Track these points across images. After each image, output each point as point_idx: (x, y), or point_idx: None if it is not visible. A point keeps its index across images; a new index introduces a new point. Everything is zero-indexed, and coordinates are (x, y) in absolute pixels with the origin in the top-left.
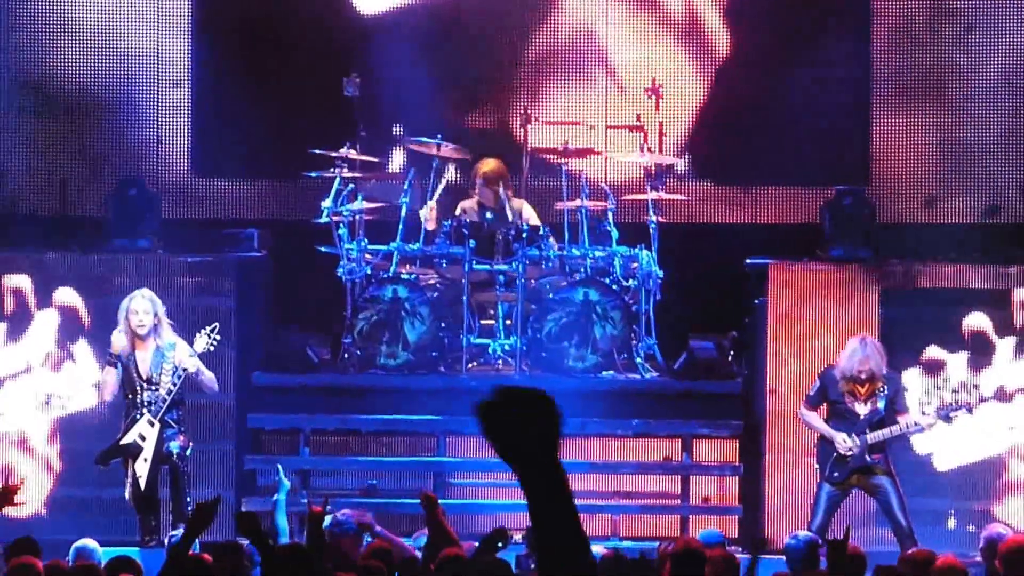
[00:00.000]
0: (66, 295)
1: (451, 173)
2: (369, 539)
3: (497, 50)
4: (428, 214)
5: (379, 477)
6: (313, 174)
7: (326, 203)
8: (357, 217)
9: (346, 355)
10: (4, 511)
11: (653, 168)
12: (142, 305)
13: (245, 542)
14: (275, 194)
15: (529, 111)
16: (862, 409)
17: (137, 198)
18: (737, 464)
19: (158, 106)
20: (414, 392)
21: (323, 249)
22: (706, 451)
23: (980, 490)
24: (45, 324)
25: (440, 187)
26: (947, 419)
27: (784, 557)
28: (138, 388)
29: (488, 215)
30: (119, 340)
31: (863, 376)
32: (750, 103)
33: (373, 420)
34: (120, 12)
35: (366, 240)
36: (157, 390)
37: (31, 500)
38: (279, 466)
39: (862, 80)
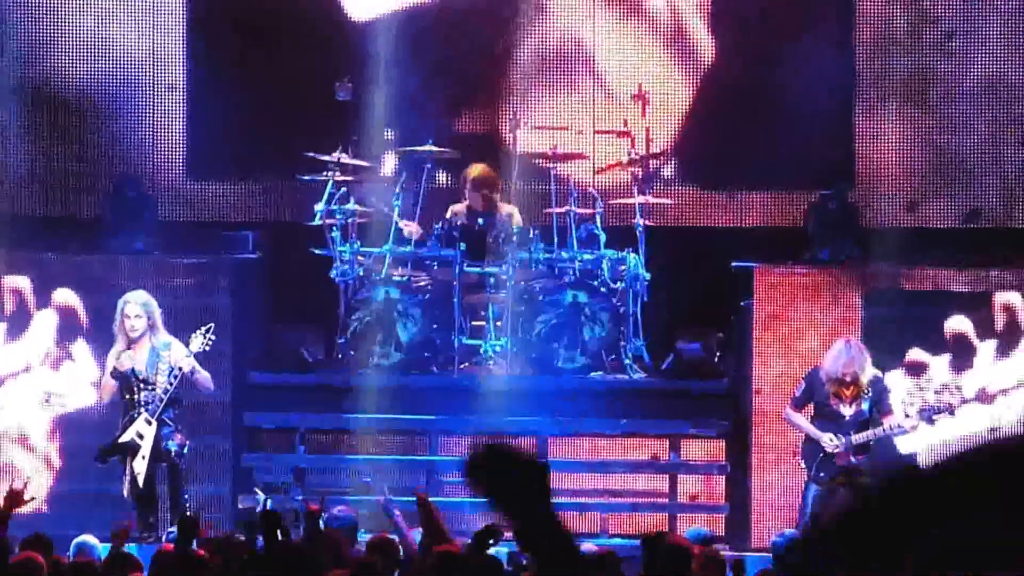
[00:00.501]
0: (65, 295)
1: (442, 177)
2: (365, 534)
3: (486, 56)
4: (412, 228)
5: (373, 475)
6: (306, 177)
7: (319, 206)
8: (350, 220)
9: (340, 355)
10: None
11: (640, 173)
12: (134, 309)
13: (243, 537)
14: (269, 197)
15: (518, 116)
16: (847, 411)
17: (134, 199)
18: (724, 463)
19: (153, 109)
20: (407, 392)
21: (316, 251)
22: (693, 450)
23: None
24: (44, 324)
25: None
26: (930, 421)
27: (771, 555)
28: (135, 388)
29: (479, 219)
30: (126, 359)
31: (847, 378)
32: (735, 108)
33: (367, 419)
34: (115, 15)
35: (358, 242)
36: (154, 390)
37: (32, 496)
38: (257, 490)
39: (846, 85)
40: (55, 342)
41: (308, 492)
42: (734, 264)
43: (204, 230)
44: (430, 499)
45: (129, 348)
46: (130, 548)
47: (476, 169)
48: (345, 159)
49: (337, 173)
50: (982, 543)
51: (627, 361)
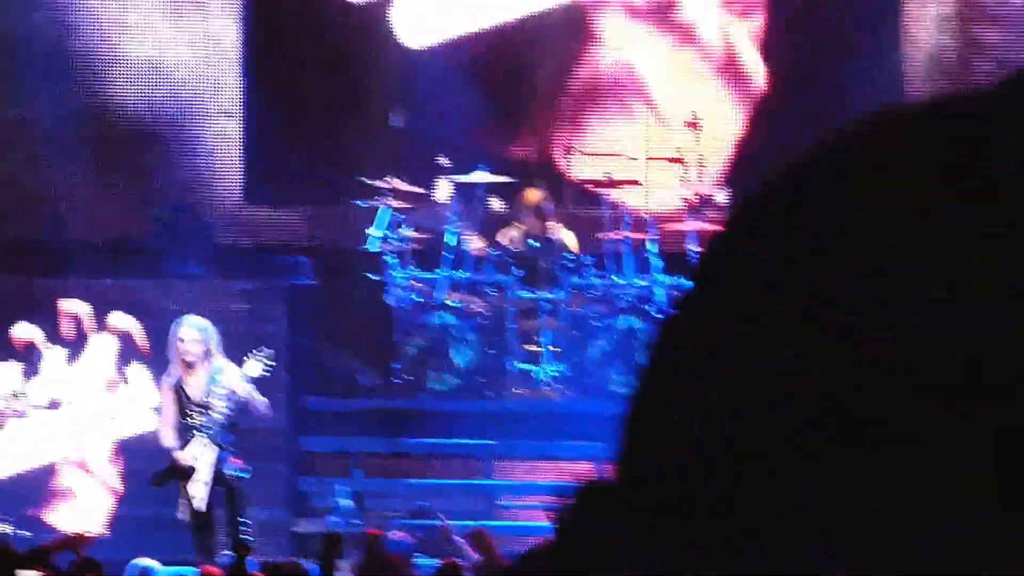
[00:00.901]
0: (122, 319)
1: (495, 203)
2: (422, 559)
3: (540, 83)
4: (475, 244)
5: (429, 499)
6: (362, 203)
7: (375, 232)
8: (405, 245)
9: (395, 380)
10: (67, 527)
11: (694, 199)
12: (190, 334)
13: (302, 561)
14: (325, 222)
15: (571, 143)
16: None
17: (190, 225)
18: None
19: (211, 135)
20: (462, 416)
21: (372, 276)
22: None
23: None
24: (101, 348)
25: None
26: None
27: None
28: (191, 413)
29: (533, 244)
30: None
31: None
32: (788, 134)
33: (423, 444)
34: (174, 45)
35: (413, 268)
36: (210, 414)
37: (92, 520)
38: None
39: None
40: (113, 366)
41: (366, 516)
42: None
43: (260, 255)
44: (486, 523)
45: (184, 373)
46: (188, 572)
47: (533, 195)
48: (400, 185)
49: (392, 199)
50: (982, 543)
51: None
